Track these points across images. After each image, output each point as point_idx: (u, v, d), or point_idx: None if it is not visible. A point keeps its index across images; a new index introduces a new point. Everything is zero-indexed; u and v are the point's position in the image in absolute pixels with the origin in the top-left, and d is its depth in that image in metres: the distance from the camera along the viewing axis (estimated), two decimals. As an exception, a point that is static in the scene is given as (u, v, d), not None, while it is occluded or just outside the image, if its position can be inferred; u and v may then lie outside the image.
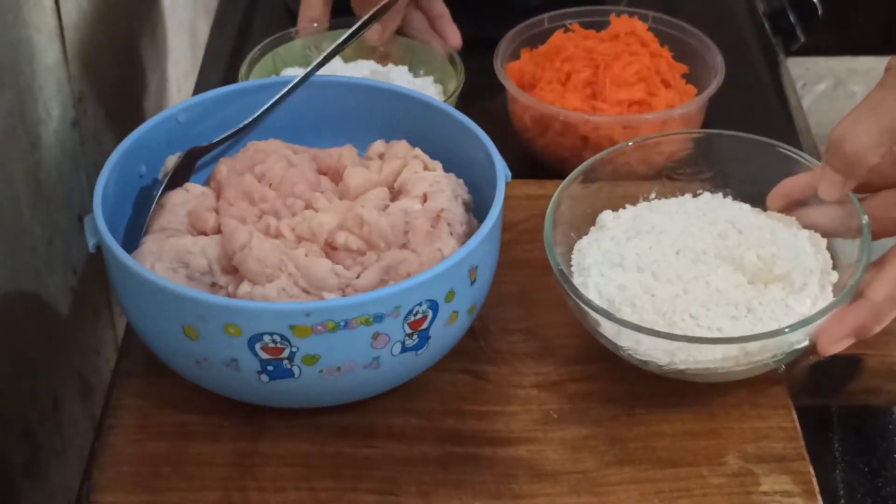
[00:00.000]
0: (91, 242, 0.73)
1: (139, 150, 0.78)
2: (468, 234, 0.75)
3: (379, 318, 0.67)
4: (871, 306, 0.69)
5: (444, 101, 0.88)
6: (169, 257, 0.72)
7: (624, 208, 0.80)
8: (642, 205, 0.81)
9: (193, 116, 0.81)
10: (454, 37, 1.01)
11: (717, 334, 0.71)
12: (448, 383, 0.76)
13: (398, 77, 0.97)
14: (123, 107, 1.09)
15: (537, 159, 0.97)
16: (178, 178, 0.79)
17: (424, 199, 0.75)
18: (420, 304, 0.68)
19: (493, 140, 0.77)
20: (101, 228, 0.71)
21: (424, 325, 0.69)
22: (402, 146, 0.80)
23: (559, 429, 0.73)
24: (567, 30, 1.01)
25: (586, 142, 0.93)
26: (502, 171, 0.75)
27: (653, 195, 0.81)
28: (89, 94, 0.97)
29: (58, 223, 0.91)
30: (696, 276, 0.73)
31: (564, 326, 0.79)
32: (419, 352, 0.70)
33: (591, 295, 0.74)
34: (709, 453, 0.72)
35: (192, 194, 0.77)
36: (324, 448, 0.72)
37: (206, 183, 0.80)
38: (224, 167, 0.79)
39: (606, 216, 0.79)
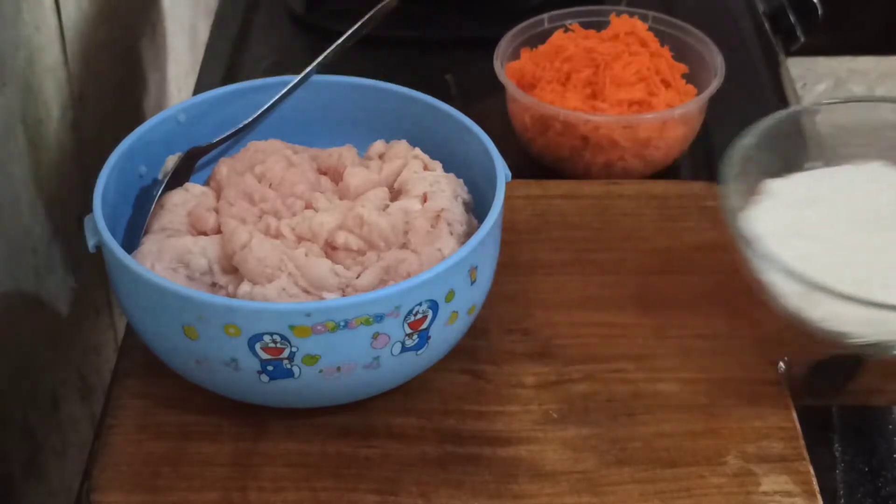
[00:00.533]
0: (91, 242, 0.73)
1: (139, 150, 0.78)
2: (468, 234, 0.75)
3: (379, 318, 0.67)
4: None
5: None
6: (169, 257, 0.72)
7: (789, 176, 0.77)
8: (807, 174, 0.78)
9: (193, 116, 0.81)
10: None
11: None
12: (448, 383, 0.76)
13: None
14: (123, 107, 1.09)
15: (537, 159, 0.97)
16: (178, 178, 0.79)
17: (424, 199, 0.75)
18: (420, 304, 0.68)
19: (493, 140, 0.77)
20: (101, 228, 0.71)
21: (424, 325, 0.69)
22: (402, 146, 0.80)
23: (559, 429, 0.73)
24: (567, 30, 1.01)
25: (586, 142, 0.93)
26: (502, 171, 0.75)
27: (819, 163, 0.78)
28: (89, 94, 0.97)
29: (58, 223, 0.91)
30: (884, 247, 0.71)
31: (564, 326, 0.79)
32: (419, 352, 0.70)
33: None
34: (709, 453, 0.72)
35: (192, 194, 0.77)
36: (324, 448, 0.72)
37: (206, 183, 0.80)
38: (224, 167, 0.79)
39: (774, 184, 0.76)
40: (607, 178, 0.94)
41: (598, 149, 0.93)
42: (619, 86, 0.94)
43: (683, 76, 0.98)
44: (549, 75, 0.96)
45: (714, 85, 0.94)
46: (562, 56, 0.96)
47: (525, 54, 1.00)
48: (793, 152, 0.78)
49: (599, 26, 1.00)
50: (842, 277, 0.68)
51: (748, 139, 0.76)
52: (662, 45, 0.98)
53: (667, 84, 0.96)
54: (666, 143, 0.94)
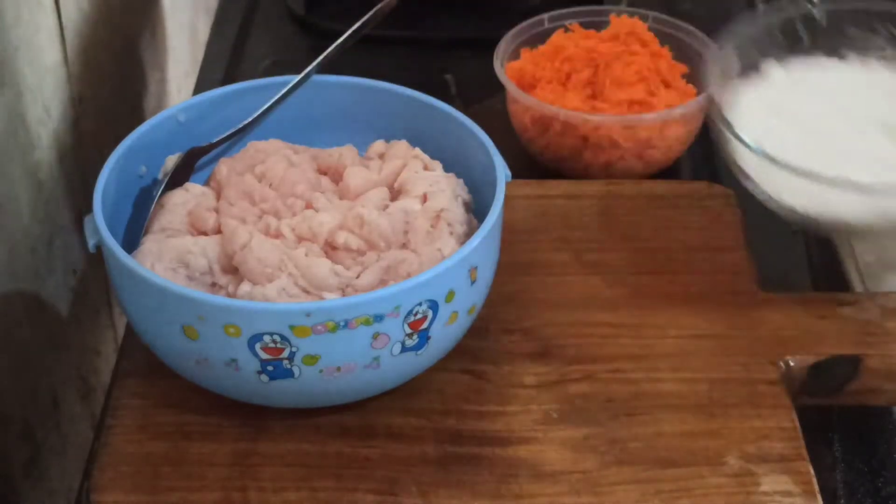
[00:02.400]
0: (91, 242, 0.73)
1: (139, 150, 0.78)
2: (468, 234, 0.75)
3: (379, 318, 0.67)
4: None
5: None
6: (169, 257, 0.72)
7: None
8: (804, 61, 0.78)
9: (193, 116, 0.81)
10: None
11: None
12: (448, 383, 0.76)
13: None
14: (123, 107, 1.09)
15: (537, 159, 0.97)
16: (178, 178, 0.79)
17: (424, 199, 0.75)
18: (420, 304, 0.68)
19: (493, 140, 0.77)
20: (101, 228, 0.71)
21: (424, 325, 0.69)
22: (402, 146, 0.80)
23: (559, 429, 0.73)
24: (567, 30, 1.01)
25: (586, 142, 0.93)
26: (502, 171, 0.75)
27: (819, 52, 0.79)
28: (89, 94, 0.97)
29: (58, 223, 0.91)
30: (854, 137, 0.72)
31: (564, 326, 0.79)
32: (419, 352, 0.70)
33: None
34: (709, 453, 0.72)
35: (192, 194, 0.77)
36: (324, 448, 0.72)
37: (206, 183, 0.80)
38: (224, 167, 0.79)
39: (771, 67, 0.77)
40: (607, 178, 0.94)
41: (598, 149, 0.93)
42: (619, 86, 0.94)
43: (683, 76, 0.98)
44: (549, 75, 0.96)
45: (714, 85, 0.94)
46: (562, 56, 0.96)
47: (525, 54, 1.00)
48: (794, 38, 0.78)
49: (599, 26, 1.00)
50: (800, 155, 0.70)
51: (753, 18, 0.76)
52: (662, 45, 0.98)
53: (667, 84, 0.96)
54: (666, 143, 0.94)
